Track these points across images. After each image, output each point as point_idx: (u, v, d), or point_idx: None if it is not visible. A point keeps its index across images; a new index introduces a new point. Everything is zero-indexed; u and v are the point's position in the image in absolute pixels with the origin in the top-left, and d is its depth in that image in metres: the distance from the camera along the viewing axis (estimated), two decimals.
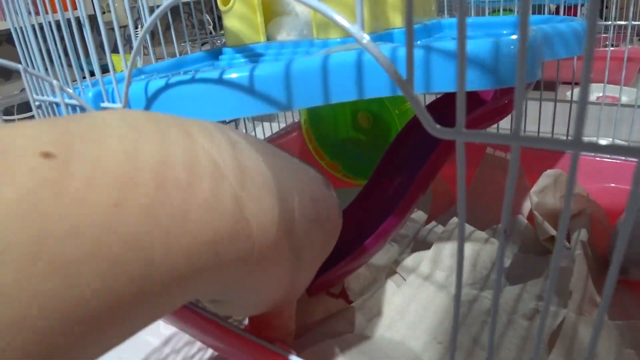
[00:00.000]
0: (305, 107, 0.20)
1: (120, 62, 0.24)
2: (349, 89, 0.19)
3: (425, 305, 0.31)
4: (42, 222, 0.11)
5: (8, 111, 1.36)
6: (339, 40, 0.30)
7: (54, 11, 0.26)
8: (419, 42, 0.31)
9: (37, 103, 0.29)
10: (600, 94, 0.44)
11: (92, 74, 0.26)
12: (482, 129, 0.34)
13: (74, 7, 0.24)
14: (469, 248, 0.35)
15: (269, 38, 0.35)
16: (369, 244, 0.31)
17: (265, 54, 0.33)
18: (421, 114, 0.11)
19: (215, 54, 0.37)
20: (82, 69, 0.25)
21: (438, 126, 0.11)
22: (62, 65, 0.26)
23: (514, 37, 0.20)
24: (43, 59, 0.29)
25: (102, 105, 0.22)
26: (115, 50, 0.33)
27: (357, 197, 0.34)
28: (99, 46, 0.24)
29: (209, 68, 0.29)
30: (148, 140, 0.14)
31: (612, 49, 0.84)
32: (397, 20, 0.33)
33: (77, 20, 0.25)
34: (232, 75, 0.19)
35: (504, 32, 0.36)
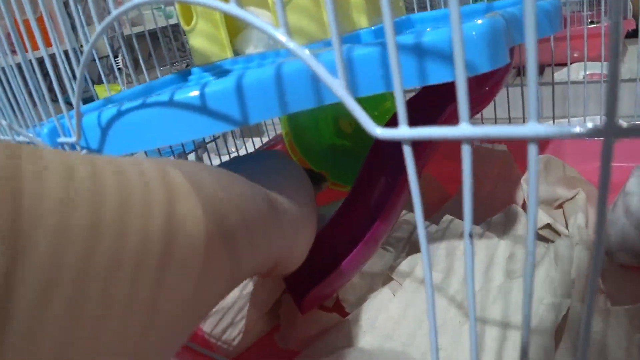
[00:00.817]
0: (262, 120, 0.19)
1: (103, 93, 0.24)
2: (306, 96, 0.18)
3: (422, 309, 0.30)
4: None
5: None
6: (304, 47, 0.29)
7: (14, 54, 0.26)
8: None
9: None
10: (587, 72, 0.43)
11: (71, 104, 0.26)
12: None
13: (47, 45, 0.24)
14: (463, 245, 0.33)
15: (237, 53, 0.35)
16: (358, 253, 0.30)
17: (232, 69, 0.32)
18: (360, 116, 0.10)
19: (184, 75, 0.36)
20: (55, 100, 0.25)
21: (379, 130, 0.10)
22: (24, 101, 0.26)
23: (479, 21, 0.19)
24: (8, 98, 0.29)
25: (59, 140, 0.21)
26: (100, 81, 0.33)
27: (341, 205, 0.33)
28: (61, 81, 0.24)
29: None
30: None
31: (592, 26, 0.83)
32: (362, 21, 0.32)
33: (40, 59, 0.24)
34: (184, 96, 0.18)
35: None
